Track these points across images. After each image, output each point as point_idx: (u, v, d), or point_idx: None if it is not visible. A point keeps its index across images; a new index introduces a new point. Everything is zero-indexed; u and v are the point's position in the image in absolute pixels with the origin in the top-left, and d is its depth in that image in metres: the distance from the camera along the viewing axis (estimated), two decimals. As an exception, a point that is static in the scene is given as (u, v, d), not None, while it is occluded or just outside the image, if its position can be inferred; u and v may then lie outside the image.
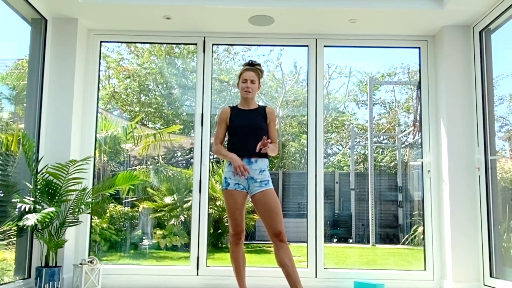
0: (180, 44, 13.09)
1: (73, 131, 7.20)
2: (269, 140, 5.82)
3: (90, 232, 7.60)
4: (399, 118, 16.75)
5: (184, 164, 13.74)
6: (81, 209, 6.72)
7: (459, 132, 7.16)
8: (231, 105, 6.30)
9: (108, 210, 11.09)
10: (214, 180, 11.17)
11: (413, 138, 13.86)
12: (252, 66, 6.16)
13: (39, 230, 6.43)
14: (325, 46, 7.83)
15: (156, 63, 14.87)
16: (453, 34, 7.34)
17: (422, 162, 7.65)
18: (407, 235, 12.44)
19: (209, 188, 7.63)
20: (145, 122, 14.09)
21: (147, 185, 12.09)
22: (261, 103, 6.33)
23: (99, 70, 7.80)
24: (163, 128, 12.99)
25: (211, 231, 11.23)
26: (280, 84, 16.80)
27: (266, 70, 15.92)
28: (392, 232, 13.36)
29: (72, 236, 7.17)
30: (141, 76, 14.90)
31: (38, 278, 6.37)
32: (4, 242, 6.87)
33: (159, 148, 12.43)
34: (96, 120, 7.68)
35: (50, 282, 6.38)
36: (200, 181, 7.52)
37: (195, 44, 7.87)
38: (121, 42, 12.30)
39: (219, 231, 11.71)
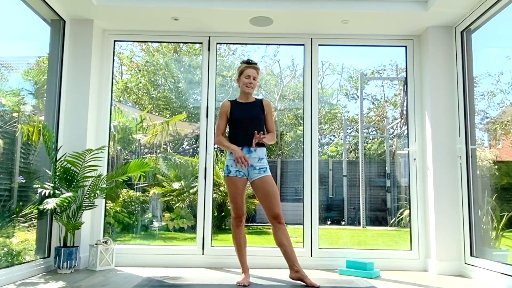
0: (187, 43, 13.11)
1: (89, 123, 7.20)
2: (259, 136, 5.86)
3: (105, 215, 7.60)
4: (387, 111, 16.77)
5: (190, 153, 13.75)
6: (96, 194, 6.74)
7: (442, 124, 7.16)
8: (231, 99, 6.32)
9: (121, 195, 11.12)
10: (218, 167, 11.17)
11: (400, 129, 13.88)
12: (251, 64, 6.19)
13: (58, 213, 6.44)
14: (319, 45, 7.82)
15: (164, 59, 14.89)
16: (437, 34, 7.34)
17: (408, 151, 7.65)
18: (395, 218, 12.46)
19: (213, 174, 7.62)
20: (154, 113, 14.10)
21: (157, 172, 12.11)
22: (260, 97, 6.32)
23: (113, 67, 7.80)
24: (169, 118, 13.00)
25: (215, 214, 11.24)
26: (278, 79, 16.82)
27: (264, 66, 15.95)
28: (381, 215, 13.39)
29: (88, 218, 7.19)
30: (150, 72, 14.92)
31: (57, 257, 6.40)
32: (26, 224, 6.89)
33: (167, 136, 12.43)
34: (110, 112, 7.68)
35: (68, 261, 6.41)
36: (205, 168, 7.52)
37: (201, 43, 7.87)
38: (133, 41, 12.31)
39: (223, 214, 11.73)
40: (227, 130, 6.26)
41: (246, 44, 12.62)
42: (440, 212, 7.02)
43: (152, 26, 7.60)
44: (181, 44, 14.28)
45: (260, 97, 6.22)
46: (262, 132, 5.91)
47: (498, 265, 6.06)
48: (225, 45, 14.88)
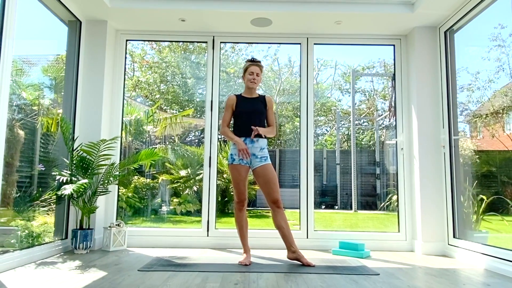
0: (193, 42, 13.09)
1: (103, 115, 7.20)
2: (256, 129, 5.94)
3: (118, 200, 7.60)
4: (376, 104, 16.76)
5: (196, 143, 13.75)
6: (110, 181, 6.75)
7: (427, 116, 7.16)
8: (237, 94, 6.32)
9: (132, 182, 11.12)
10: (222, 156, 11.17)
11: (389, 121, 13.84)
12: (255, 62, 6.20)
13: (75, 198, 6.45)
14: (315, 43, 7.82)
15: (174, 57, 14.88)
16: (422, 34, 7.33)
17: (396, 141, 7.65)
18: (384, 203, 12.45)
19: (217, 163, 7.62)
20: (163, 107, 14.11)
21: (166, 160, 12.12)
22: (260, 92, 6.33)
23: (125, 64, 7.80)
24: (178, 113, 13.02)
25: (219, 199, 11.26)
26: (277, 75, 16.84)
27: (265, 64, 15.93)
28: (371, 200, 13.37)
29: (102, 203, 7.20)
30: (161, 68, 14.92)
31: (74, 238, 6.42)
32: (45, 208, 6.91)
33: (176, 129, 12.44)
34: (123, 106, 7.67)
35: (84, 242, 6.43)
36: (210, 157, 7.53)
37: (206, 42, 7.88)
38: (144, 41, 12.29)
39: (226, 199, 11.74)
40: (232, 122, 6.28)
41: (247, 43, 12.61)
42: (426, 197, 7.03)
43: (161, 26, 7.60)
44: (189, 43, 14.27)
45: (261, 92, 6.21)
46: (257, 127, 5.97)
47: (478, 246, 6.08)
48: (230, 47, 14.92)
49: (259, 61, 6.28)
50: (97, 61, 7.29)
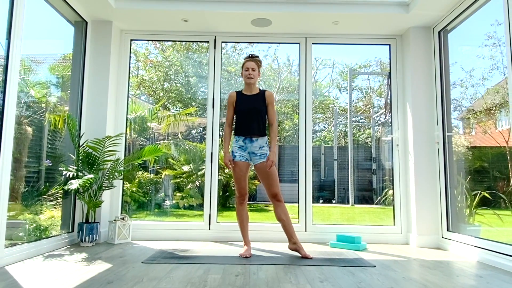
0: (195, 42, 13.08)
1: (108, 112, 7.20)
2: (270, 163, 5.92)
3: (122, 195, 7.60)
4: (373, 101, 16.77)
5: (198, 139, 13.75)
6: (115, 176, 6.75)
7: (422, 113, 7.16)
8: (237, 90, 6.31)
9: (137, 177, 11.12)
10: (223, 152, 11.18)
11: (385, 118, 13.87)
12: (251, 58, 6.20)
13: (81, 193, 6.46)
14: (313, 43, 7.81)
15: (176, 57, 14.88)
16: (417, 34, 7.33)
17: (392, 138, 7.65)
18: (380, 197, 12.47)
19: (218, 158, 7.62)
20: (167, 105, 14.11)
21: (169, 156, 12.13)
22: (261, 88, 6.31)
23: (130, 63, 7.81)
24: (181, 110, 13.02)
25: (221, 193, 11.25)
26: (276, 74, 16.84)
27: (265, 63, 15.93)
28: (368, 194, 13.38)
29: (108, 197, 7.20)
30: (164, 67, 14.91)
31: (80, 231, 6.42)
32: (53, 203, 6.91)
33: (179, 127, 12.45)
34: (127, 103, 7.67)
35: (90, 235, 6.43)
36: (211, 153, 7.53)
37: (208, 42, 7.87)
38: (148, 40, 12.27)
39: (227, 193, 11.73)
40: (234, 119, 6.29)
41: (248, 43, 12.60)
42: (420, 192, 7.04)
43: (164, 26, 7.60)
44: (191, 43, 14.27)
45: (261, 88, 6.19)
46: (271, 159, 5.94)
47: (471, 239, 6.08)
48: (232, 47, 14.93)
49: (256, 56, 6.26)
50: (102, 60, 7.30)
